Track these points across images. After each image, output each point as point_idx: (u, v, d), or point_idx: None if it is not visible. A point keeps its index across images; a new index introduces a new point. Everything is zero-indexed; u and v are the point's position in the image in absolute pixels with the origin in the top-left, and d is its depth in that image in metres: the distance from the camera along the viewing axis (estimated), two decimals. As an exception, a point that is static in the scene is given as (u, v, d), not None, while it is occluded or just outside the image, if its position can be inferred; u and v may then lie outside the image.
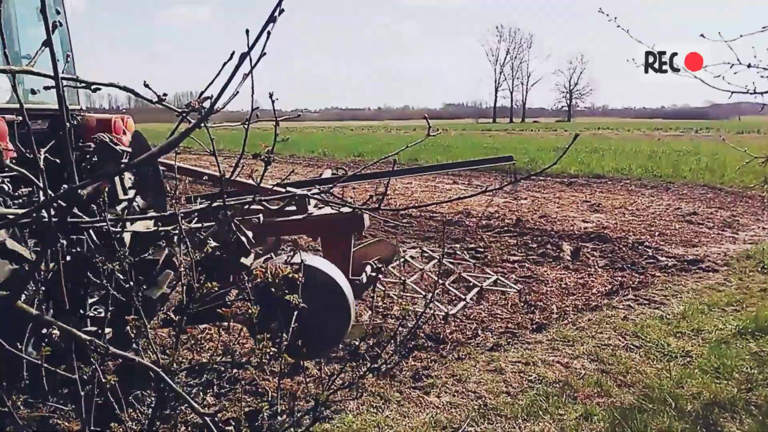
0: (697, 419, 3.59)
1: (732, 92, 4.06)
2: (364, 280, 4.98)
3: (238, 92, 1.19)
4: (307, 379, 4.10)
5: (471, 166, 9.55)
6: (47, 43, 1.51)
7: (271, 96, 1.41)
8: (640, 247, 8.15)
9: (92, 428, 1.62)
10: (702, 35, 3.83)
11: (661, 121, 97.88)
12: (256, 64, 1.16)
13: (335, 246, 4.90)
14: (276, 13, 1.10)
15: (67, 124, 1.23)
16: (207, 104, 1.35)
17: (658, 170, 17.47)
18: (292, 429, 1.75)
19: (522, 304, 5.80)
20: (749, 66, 3.72)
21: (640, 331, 5.00)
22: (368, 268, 5.15)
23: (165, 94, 1.75)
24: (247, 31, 1.64)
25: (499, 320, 5.39)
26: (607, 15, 4.68)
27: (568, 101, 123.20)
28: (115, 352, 1.14)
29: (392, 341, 4.50)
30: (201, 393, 3.66)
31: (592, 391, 3.96)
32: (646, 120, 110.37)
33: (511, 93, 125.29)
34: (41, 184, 1.24)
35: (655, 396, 3.86)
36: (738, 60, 3.70)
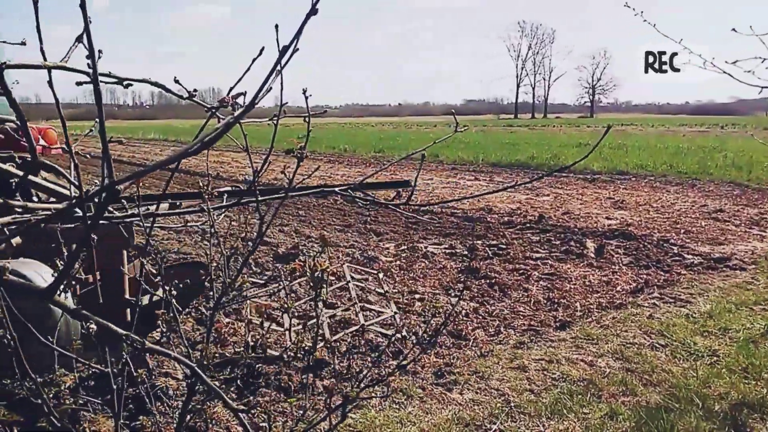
0: (725, 420, 3.53)
1: (762, 87, 3.99)
2: (145, 302, 4.51)
3: (271, 88, 1.19)
4: (329, 375, 4.13)
5: (372, 189, 9.66)
6: (80, 38, 1.52)
7: (304, 92, 1.40)
8: (665, 244, 8.04)
9: (123, 421, 1.64)
10: (734, 29, 3.75)
11: (685, 117, 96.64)
12: (288, 60, 1.15)
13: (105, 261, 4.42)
14: (317, 5, 1.09)
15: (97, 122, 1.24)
16: (240, 100, 1.35)
17: (683, 167, 17.20)
18: (321, 425, 1.75)
19: (545, 302, 5.76)
20: (782, 60, 3.64)
21: (666, 329, 4.94)
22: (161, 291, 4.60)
23: (195, 90, 1.77)
24: (277, 27, 1.65)
25: (521, 317, 5.35)
26: (633, 9, 4.63)
27: (591, 97, 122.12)
28: (152, 347, 1.15)
29: (414, 338, 4.49)
30: (225, 387, 3.69)
31: (617, 390, 3.92)
32: (670, 116, 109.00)
33: (533, 89, 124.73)
34: (76, 182, 1.25)
35: (681, 396, 3.80)
36: (771, 55, 3.62)
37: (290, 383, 3.97)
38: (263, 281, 4.77)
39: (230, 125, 1.03)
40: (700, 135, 38.12)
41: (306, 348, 1.78)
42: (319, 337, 2.30)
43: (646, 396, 3.85)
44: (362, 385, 1.80)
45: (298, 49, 1.26)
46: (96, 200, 1.08)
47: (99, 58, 1.47)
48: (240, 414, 1.11)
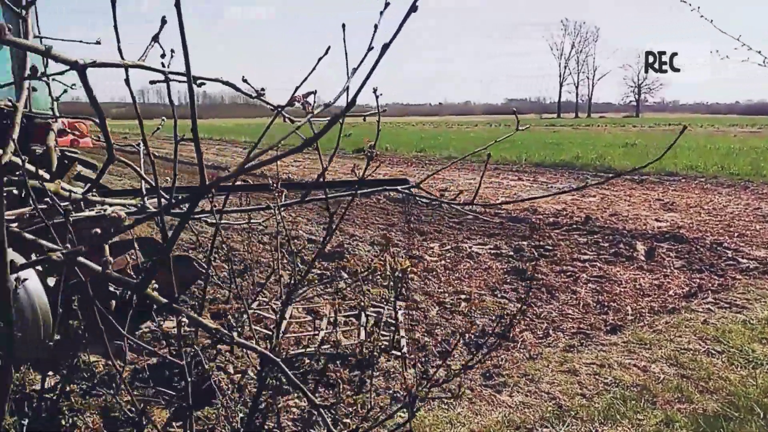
0: (788, 430, 3.41)
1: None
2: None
3: (348, 87, 1.20)
4: (378, 373, 4.14)
5: (367, 188, 9.49)
6: (156, 38, 1.56)
7: (375, 91, 1.41)
8: (718, 248, 7.80)
9: (194, 414, 1.68)
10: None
11: (736, 117, 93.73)
12: (380, 59, 1.15)
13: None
14: (416, 2, 1.08)
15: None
16: (311, 99, 1.37)
17: (735, 168, 16.65)
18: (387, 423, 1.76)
19: (594, 305, 5.66)
20: None
21: (722, 335, 4.80)
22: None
23: (263, 89, 1.79)
24: (344, 26, 1.66)
25: (570, 320, 5.27)
26: (690, 5, 4.50)
27: (637, 96, 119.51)
28: (239, 341, 1.18)
29: (461, 339, 4.45)
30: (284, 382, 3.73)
31: (672, 397, 3.83)
32: (719, 116, 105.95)
33: (576, 87, 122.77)
34: (152, 182, 1.28)
35: (740, 404, 3.69)
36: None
37: (339, 380, 3.99)
38: (318, 278, 4.82)
39: (334, 121, 1.04)
40: (752, 135, 36.86)
41: (383, 346, 1.79)
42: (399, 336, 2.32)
43: (702, 403, 3.75)
44: (429, 384, 1.79)
45: (373, 47, 1.26)
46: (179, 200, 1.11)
47: (170, 56, 1.51)
48: (321, 409, 1.13)
